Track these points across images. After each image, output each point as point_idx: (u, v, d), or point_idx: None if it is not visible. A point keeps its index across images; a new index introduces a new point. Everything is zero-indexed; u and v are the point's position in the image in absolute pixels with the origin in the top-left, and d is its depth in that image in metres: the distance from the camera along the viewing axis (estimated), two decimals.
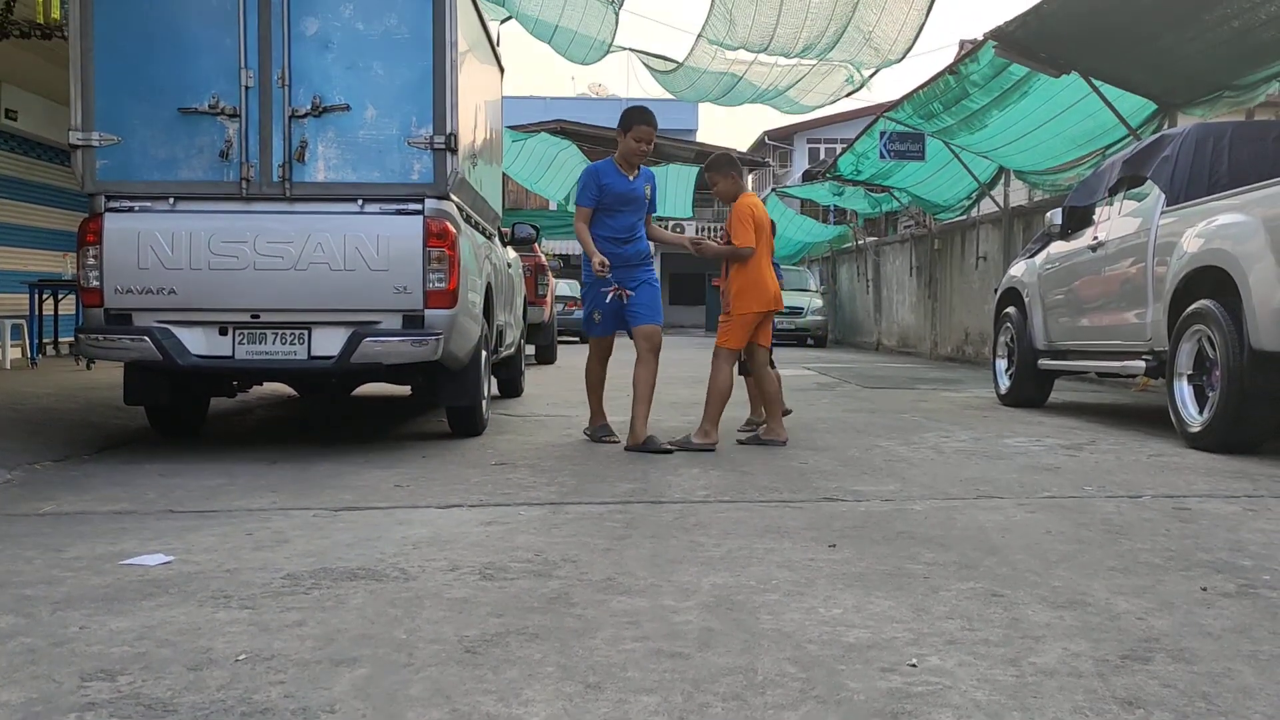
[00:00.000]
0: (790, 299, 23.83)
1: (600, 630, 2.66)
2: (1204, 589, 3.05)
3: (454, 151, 5.71)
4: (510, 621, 2.72)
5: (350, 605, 2.87)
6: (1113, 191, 7.62)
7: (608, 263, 5.99)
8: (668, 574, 3.22)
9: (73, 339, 6.30)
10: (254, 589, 3.02)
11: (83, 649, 2.50)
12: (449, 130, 5.67)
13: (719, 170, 6.47)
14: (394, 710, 2.13)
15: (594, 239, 6.11)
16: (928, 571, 3.26)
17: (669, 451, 5.88)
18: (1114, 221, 7.47)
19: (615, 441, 6.23)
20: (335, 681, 2.29)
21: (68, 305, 12.19)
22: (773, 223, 6.56)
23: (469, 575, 3.19)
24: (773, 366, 6.60)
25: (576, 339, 25.26)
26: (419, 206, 5.67)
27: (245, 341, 5.57)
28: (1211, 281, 5.93)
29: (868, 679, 2.32)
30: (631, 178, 6.21)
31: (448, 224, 5.69)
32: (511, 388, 9.60)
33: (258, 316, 5.58)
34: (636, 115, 6.16)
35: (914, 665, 2.41)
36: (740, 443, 6.39)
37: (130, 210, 5.55)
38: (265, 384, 7.42)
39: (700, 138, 44.42)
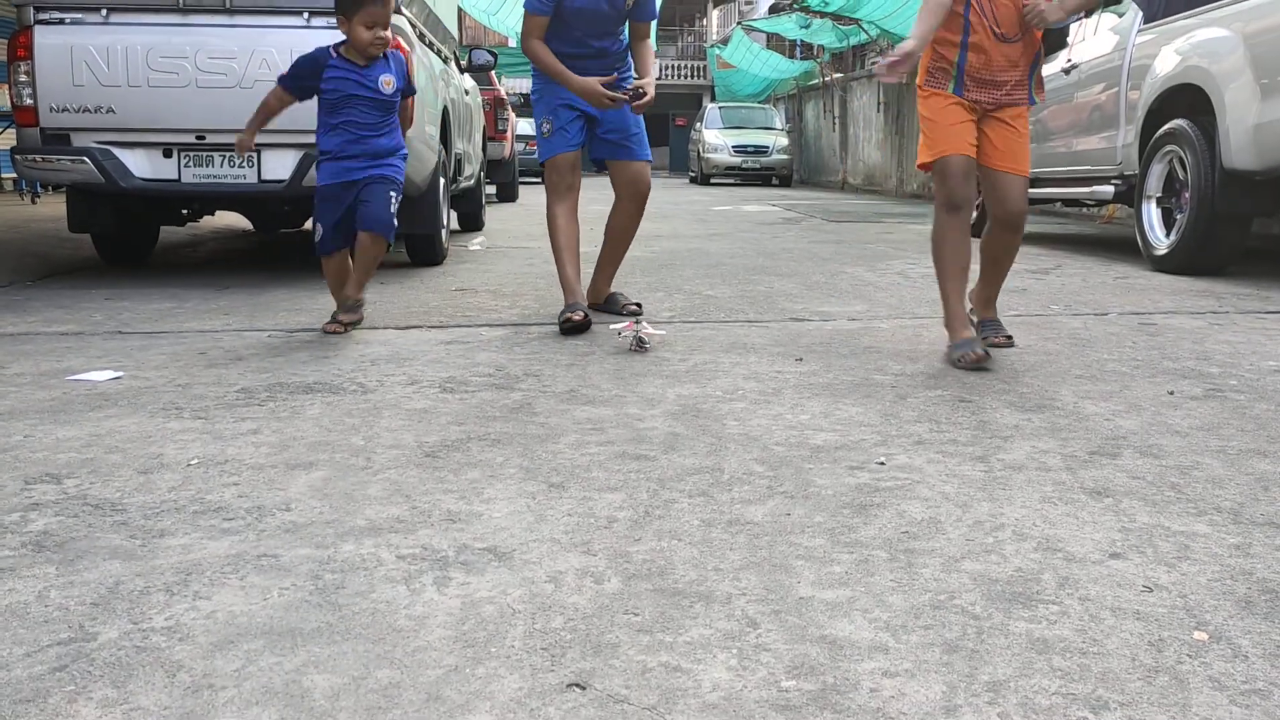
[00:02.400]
0: (755, 138, 23.56)
1: (564, 436, 2.61)
2: (1171, 392, 3.04)
3: None
4: (471, 429, 2.66)
5: (306, 415, 2.79)
6: (1089, 11, 7.39)
7: (613, 79, 4.22)
8: (632, 386, 3.17)
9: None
10: (207, 401, 2.94)
11: (27, 455, 2.41)
12: None
13: None
14: (352, 508, 2.07)
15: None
16: (895, 381, 3.23)
17: (636, 312, 4.40)
18: (1089, 42, 7.27)
19: (580, 323, 4.09)
20: (291, 483, 2.22)
21: (9, 139, 11.72)
22: None
23: (429, 389, 3.12)
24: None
25: (538, 179, 24.84)
26: None
27: (191, 164, 5.34)
28: (1186, 102, 5.80)
29: (835, 476, 2.29)
30: None
31: (399, 40, 5.41)
32: (472, 221, 9.41)
33: (203, 138, 5.34)
34: None
35: (882, 463, 2.38)
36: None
37: (61, 23, 5.23)
38: (217, 214, 7.20)
39: None
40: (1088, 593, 1.69)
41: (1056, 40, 7.81)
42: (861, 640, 1.53)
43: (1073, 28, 7.61)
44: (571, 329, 4.06)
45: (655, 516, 2.04)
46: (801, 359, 3.57)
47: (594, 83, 4.15)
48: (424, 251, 6.39)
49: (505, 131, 14.34)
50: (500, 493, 2.17)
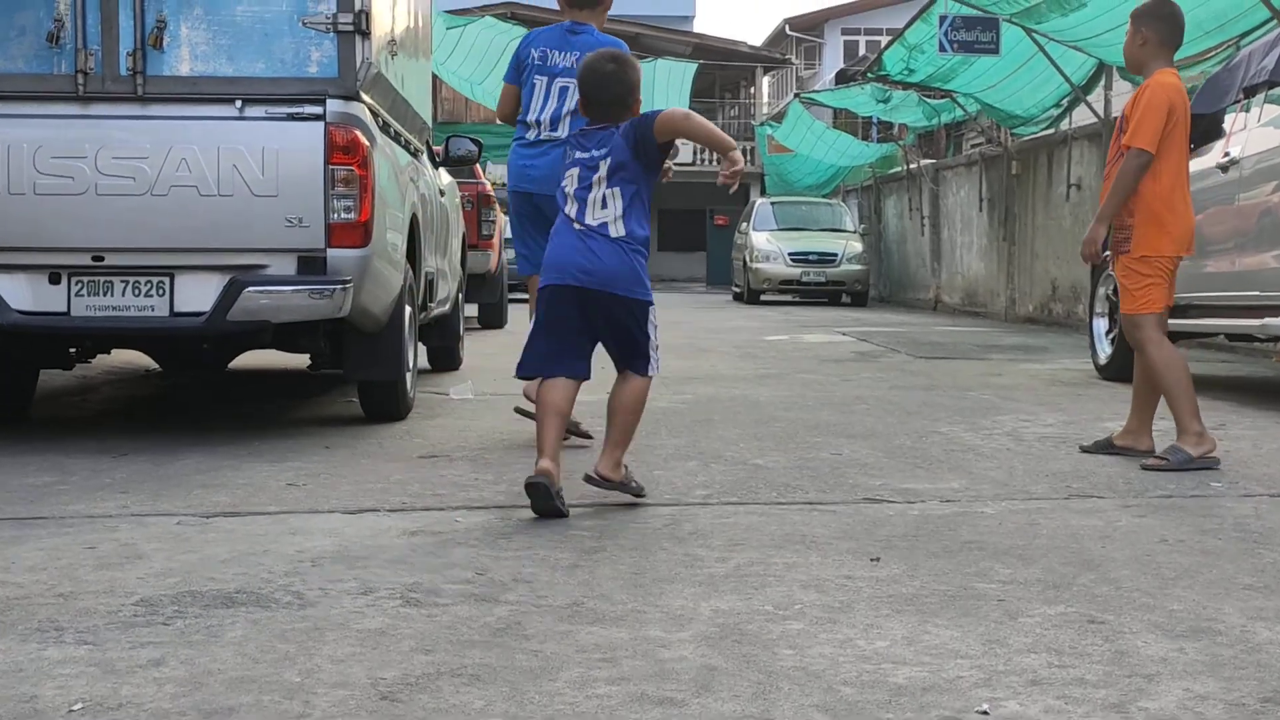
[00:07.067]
0: (819, 243, 23.96)
1: (563, 670, 2.64)
2: None
3: (366, 35, 5.65)
4: (442, 659, 2.70)
5: (226, 639, 2.84)
6: (1250, 93, 7.60)
7: None
8: (655, 597, 3.21)
9: None
10: (96, 619, 2.99)
11: None
12: (359, 7, 5.60)
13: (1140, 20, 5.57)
14: None
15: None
16: (1003, 592, 3.26)
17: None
18: (1252, 132, 7.45)
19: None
20: None
21: None
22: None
23: (387, 600, 3.17)
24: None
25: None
26: (319, 110, 5.59)
27: (85, 293, 5.50)
28: None
29: None
30: None
31: (358, 133, 5.63)
32: (446, 358, 9.57)
33: (101, 259, 5.51)
34: None
35: (985, 713, 2.39)
36: (1085, 450, 5.59)
37: None
38: (114, 352, 7.36)
39: (698, 27, 44.35)
40: None
41: (1210, 127, 8.01)
42: None
43: (1228, 117, 7.80)
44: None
45: None
46: (879, 559, 3.61)
47: None
48: (382, 403, 6.49)
49: (491, 238, 14.43)
50: None
